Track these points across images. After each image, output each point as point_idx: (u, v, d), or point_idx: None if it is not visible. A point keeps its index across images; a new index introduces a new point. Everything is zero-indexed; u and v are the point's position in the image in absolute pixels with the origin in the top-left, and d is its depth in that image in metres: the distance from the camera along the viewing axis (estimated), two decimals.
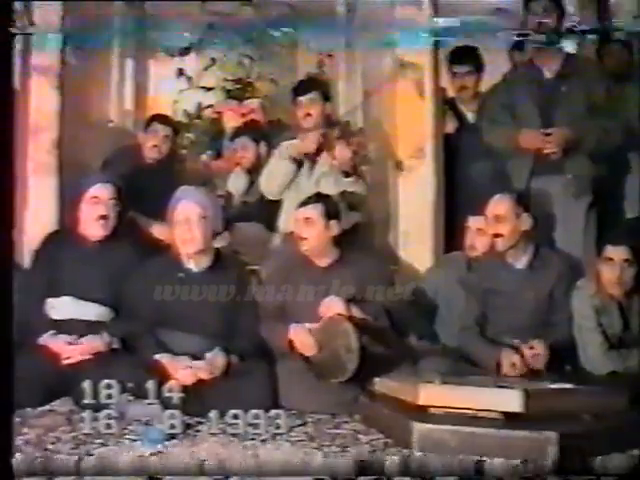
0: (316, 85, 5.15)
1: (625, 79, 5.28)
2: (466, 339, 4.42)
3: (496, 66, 5.43)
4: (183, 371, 4.05)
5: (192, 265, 4.34)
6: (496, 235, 4.44)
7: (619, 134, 4.86)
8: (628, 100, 5.01)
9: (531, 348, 4.27)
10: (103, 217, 4.41)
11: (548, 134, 4.75)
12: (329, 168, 4.92)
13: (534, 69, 4.94)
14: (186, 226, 4.29)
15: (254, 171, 5.30)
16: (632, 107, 4.91)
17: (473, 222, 4.67)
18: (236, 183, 5.42)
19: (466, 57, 5.40)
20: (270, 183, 5.03)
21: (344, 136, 4.91)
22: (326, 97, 5.02)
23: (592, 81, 4.88)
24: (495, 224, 4.44)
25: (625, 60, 5.53)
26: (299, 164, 4.93)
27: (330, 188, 4.80)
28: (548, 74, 4.91)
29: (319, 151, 4.93)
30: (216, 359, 4.12)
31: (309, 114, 4.95)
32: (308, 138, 4.91)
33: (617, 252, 4.23)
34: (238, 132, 5.61)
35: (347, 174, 4.87)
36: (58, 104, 5.04)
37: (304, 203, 4.48)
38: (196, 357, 4.14)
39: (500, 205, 4.45)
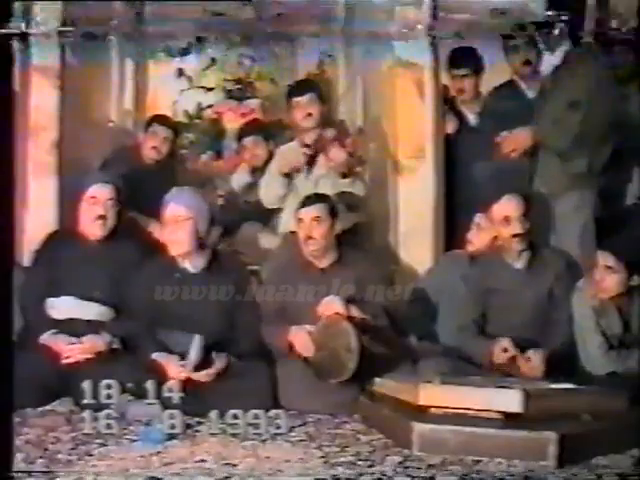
0: (313, 86, 5.18)
1: (625, 79, 5.27)
2: (462, 338, 4.41)
3: (496, 67, 5.43)
4: (175, 368, 4.04)
5: (188, 265, 4.34)
6: (515, 235, 4.41)
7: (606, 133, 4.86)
8: (627, 99, 5.01)
9: (528, 360, 4.25)
10: (101, 217, 4.41)
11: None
12: (326, 170, 4.93)
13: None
14: (172, 227, 4.30)
15: (260, 170, 5.29)
16: (632, 106, 4.91)
17: (478, 218, 4.66)
18: (240, 182, 5.43)
19: (465, 59, 5.38)
20: (267, 196, 5.06)
21: (339, 138, 4.92)
22: (322, 99, 5.04)
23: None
24: (510, 224, 4.41)
25: (623, 60, 5.52)
26: (291, 177, 4.95)
27: (328, 189, 4.80)
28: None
29: (316, 153, 4.94)
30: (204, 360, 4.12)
31: (310, 114, 4.96)
32: (295, 152, 4.94)
33: (611, 257, 4.22)
34: (244, 131, 5.61)
35: (344, 175, 4.88)
36: (58, 104, 5.03)
37: (306, 203, 4.48)
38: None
39: (510, 205, 4.43)
